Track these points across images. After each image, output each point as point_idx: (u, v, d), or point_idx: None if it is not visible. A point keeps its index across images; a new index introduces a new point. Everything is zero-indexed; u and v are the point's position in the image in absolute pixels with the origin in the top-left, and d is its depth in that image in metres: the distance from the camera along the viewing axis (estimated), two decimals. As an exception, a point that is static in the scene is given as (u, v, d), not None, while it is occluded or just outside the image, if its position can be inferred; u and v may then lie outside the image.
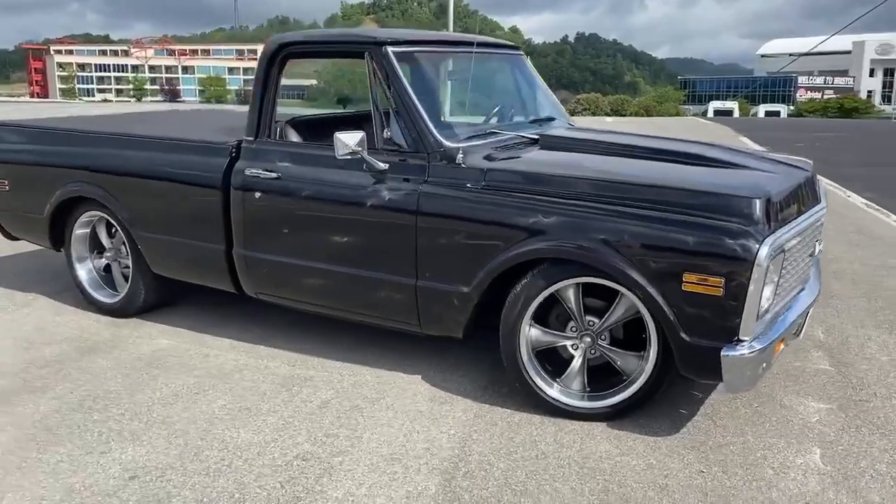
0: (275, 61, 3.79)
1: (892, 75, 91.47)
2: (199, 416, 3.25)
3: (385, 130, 3.45)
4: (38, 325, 4.40)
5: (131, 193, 4.21)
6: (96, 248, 4.67)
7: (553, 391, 3.22)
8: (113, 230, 4.52)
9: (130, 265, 4.41)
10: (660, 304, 2.86)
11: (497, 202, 3.18)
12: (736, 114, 50.23)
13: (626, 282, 2.93)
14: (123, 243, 4.49)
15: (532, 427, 3.15)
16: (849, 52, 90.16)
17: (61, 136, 4.57)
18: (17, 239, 5.09)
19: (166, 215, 4.12)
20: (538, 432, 3.11)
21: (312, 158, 3.69)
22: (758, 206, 2.81)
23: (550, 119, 4.29)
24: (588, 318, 3.17)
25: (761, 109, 53.21)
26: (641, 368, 3.13)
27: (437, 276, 3.34)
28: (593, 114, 66.61)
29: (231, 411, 3.29)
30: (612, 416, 3.18)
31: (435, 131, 3.40)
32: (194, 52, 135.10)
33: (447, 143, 3.38)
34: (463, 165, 3.31)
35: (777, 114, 50.76)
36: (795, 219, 3.07)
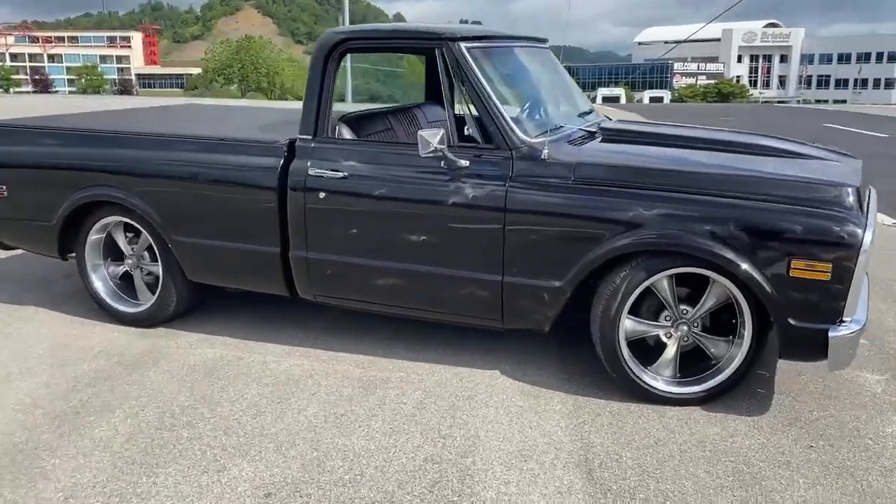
0: (332, 56, 3.68)
1: (758, 61, 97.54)
2: (297, 426, 3.14)
3: (466, 127, 3.43)
4: (57, 341, 4.10)
5: (168, 197, 3.99)
6: (110, 255, 4.39)
7: (656, 381, 3.32)
8: (130, 236, 4.28)
9: (161, 272, 4.17)
10: (766, 291, 3.00)
11: (592, 197, 3.23)
12: (623, 100, 52.15)
13: (731, 271, 3.05)
14: (148, 249, 4.25)
15: (634, 416, 3.24)
16: (718, 40, 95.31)
17: (78, 138, 4.25)
18: (9, 248, 4.72)
19: (210, 219, 3.93)
20: (643, 420, 3.20)
21: (383, 156, 3.62)
22: (853, 194, 3.00)
23: (588, 112, 4.37)
24: (681, 306, 3.28)
25: (646, 95, 55.60)
26: (731, 353, 3.27)
27: (526, 272, 3.36)
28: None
29: (328, 418, 3.21)
30: (705, 400, 3.31)
31: (516, 128, 3.42)
32: (60, 39, 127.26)
33: (530, 139, 3.41)
34: (549, 161, 3.34)
35: (660, 99, 53.18)
36: (869, 204, 3.29)
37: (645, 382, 3.31)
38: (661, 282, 3.23)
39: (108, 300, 4.36)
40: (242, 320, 4.37)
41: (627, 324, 3.29)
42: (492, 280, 3.42)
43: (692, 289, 3.28)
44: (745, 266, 3.01)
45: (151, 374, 3.68)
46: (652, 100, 52.75)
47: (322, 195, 3.64)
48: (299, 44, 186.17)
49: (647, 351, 3.40)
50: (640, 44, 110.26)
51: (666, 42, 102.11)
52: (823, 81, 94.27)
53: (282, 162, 3.74)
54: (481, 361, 3.78)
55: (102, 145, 4.15)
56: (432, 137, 3.33)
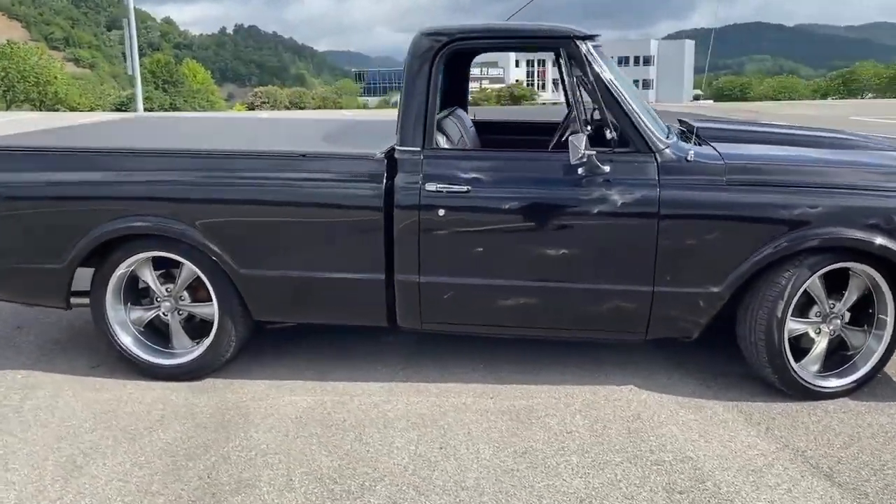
0: (440, 56, 3.32)
1: (534, 66, 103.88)
2: (490, 473, 2.78)
3: (608, 131, 3.23)
4: (95, 408, 3.34)
5: (234, 225, 3.38)
6: (129, 298, 3.66)
7: (815, 377, 3.32)
8: (161, 273, 3.60)
9: (216, 313, 3.52)
10: None
11: (752, 196, 3.17)
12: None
13: (891, 259, 3.12)
14: (189, 288, 3.60)
15: (812, 414, 3.20)
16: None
17: (103, 159, 3.47)
18: (-19, 299, 3.78)
19: (291, 247, 3.38)
20: (828, 418, 3.16)
21: (508, 165, 3.32)
22: None
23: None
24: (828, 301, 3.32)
25: (445, 99, 56.98)
26: (869, 343, 3.36)
27: (680, 280, 3.23)
28: (273, 107, 66.06)
29: (519, 461, 2.86)
30: (854, 391, 3.37)
31: (656, 129, 3.28)
32: None
33: (669, 140, 3.29)
34: (695, 162, 3.24)
35: (459, 102, 54.75)
36: None
37: (805, 380, 3.30)
38: (814, 279, 3.24)
39: (140, 352, 3.63)
40: (289, 358, 3.84)
41: (790, 324, 3.26)
42: (641, 291, 3.25)
43: (830, 283, 3.32)
44: None
45: (256, 434, 3.10)
46: (451, 103, 54.26)
47: (441, 212, 3.27)
48: (55, 49, 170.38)
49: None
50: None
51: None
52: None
53: (385, 177, 3.30)
54: (602, 377, 3.59)
55: (139, 167, 3.44)
56: (580, 143, 3.11)
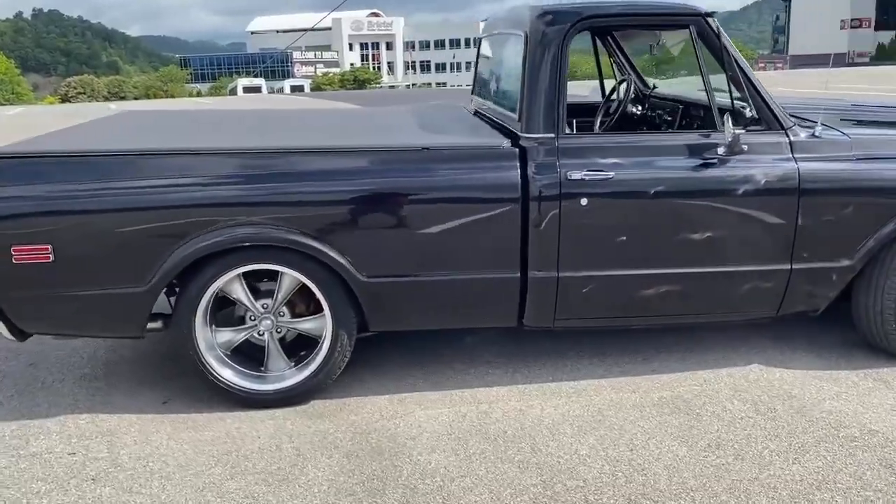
0: (570, 35, 3.12)
1: (368, 49, 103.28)
2: (707, 471, 2.66)
3: (747, 109, 3.18)
4: (207, 452, 2.88)
5: (356, 228, 3.02)
6: (213, 319, 3.20)
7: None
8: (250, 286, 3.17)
9: (328, 327, 3.14)
10: None
11: (879, 170, 3.24)
12: (265, 90, 51.22)
13: None
14: (288, 303, 3.19)
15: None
16: (329, 29, 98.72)
17: (199, 162, 2.97)
18: (26, 337, 3.14)
19: (420, 249, 3.07)
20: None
21: (646, 149, 3.19)
22: None
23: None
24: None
25: (286, 85, 55.17)
26: None
27: (816, 256, 3.26)
28: (92, 98, 61.44)
29: (721, 455, 2.76)
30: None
31: (780, 106, 3.27)
32: None
33: (793, 118, 3.30)
34: (823, 138, 3.26)
35: (301, 88, 53.27)
36: None
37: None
38: None
39: (238, 381, 3.18)
40: (385, 369, 3.53)
41: (908, 292, 3.37)
42: (780, 269, 3.25)
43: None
44: None
45: (423, 457, 2.80)
46: (293, 89, 52.63)
47: (584, 202, 3.09)
48: None
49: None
50: (252, 33, 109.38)
51: (279, 31, 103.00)
52: (426, 66, 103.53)
53: (519, 166, 3.07)
54: (719, 360, 3.56)
55: (238, 169, 2.99)
56: (728, 122, 3.05)
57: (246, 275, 3.12)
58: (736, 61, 3.18)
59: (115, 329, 3.12)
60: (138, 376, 3.53)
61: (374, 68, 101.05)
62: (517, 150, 3.09)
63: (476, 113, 4.12)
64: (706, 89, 3.17)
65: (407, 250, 3.07)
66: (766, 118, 3.21)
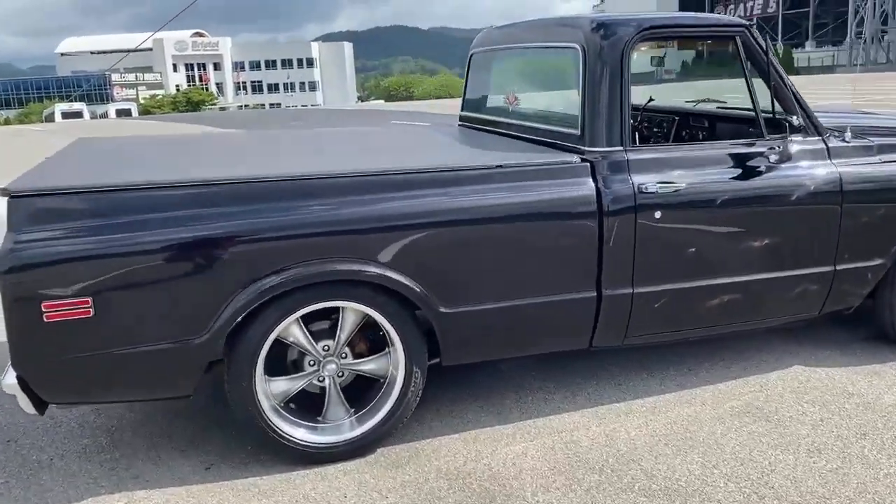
0: (629, 46, 3.05)
1: (194, 69, 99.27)
2: (846, 478, 2.66)
3: (795, 117, 3.25)
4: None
5: (433, 255, 2.78)
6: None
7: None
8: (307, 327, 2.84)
9: (401, 365, 2.86)
10: None
11: (906, 171, 3.42)
12: (86, 115, 47.68)
13: None
14: (356, 345, 2.89)
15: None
16: (151, 50, 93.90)
17: (260, 191, 2.59)
18: (45, 408, 2.61)
19: (499, 274, 2.88)
20: None
21: (709, 160, 3.17)
22: None
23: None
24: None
25: (111, 109, 51.64)
26: None
27: (855, 256, 3.39)
28: None
29: (846, 462, 2.75)
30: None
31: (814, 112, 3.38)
32: None
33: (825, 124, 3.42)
34: (852, 144, 3.41)
35: (128, 112, 50.11)
36: None
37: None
38: None
39: (306, 435, 2.83)
40: (430, 405, 3.29)
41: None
42: (826, 271, 3.35)
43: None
44: None
45: (553, 496, 2.60)
46: (119, 113, 49.36)
47: (658, 214, 3.02)
48: None
49: None
50: (62, 55, 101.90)
51: (93, 52, 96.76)
52: (257, 86, 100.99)
53: (593, 182, 2.96)
54: (760, 364, 3.62)
55: (303, 198, 2.65)
56: (787, 129, 3.12)
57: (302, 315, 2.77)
58: (779, 70, 3.25)
59: (163, 389, 2.67)
60: (153, 441, 3.05)
61: (205, 89, 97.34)
62: (588, 164, 2.97)
63: (486, 131, 3.96)
64: (751, 98, 3.21)
65: (487, 275, 2.86)
66: (808, 125, 3.30)
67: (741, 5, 66.87)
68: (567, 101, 3.20)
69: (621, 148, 3.02)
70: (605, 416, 3.15)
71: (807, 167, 3.25)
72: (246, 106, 79.02)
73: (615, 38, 3.04)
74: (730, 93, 3.75)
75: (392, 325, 2.81)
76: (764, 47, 3.20)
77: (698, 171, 3.11)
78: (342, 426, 2.88)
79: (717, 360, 3.64)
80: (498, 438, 3.01)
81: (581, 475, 2.72)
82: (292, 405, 2.87)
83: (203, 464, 2.88)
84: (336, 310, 2.80)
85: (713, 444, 2.90)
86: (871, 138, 3.49)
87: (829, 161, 3.30)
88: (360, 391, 2.96)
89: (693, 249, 3.11)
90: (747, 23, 3.26)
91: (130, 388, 2.63)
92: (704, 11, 50.44)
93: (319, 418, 2.90)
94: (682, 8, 66.67)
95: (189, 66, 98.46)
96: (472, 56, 4.28)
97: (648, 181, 3.00)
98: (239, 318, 2.58)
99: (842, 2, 58.32)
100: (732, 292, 3.23)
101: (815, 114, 3.37)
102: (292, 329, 2.76)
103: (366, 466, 2.84)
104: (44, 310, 2.37)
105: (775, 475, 2.68)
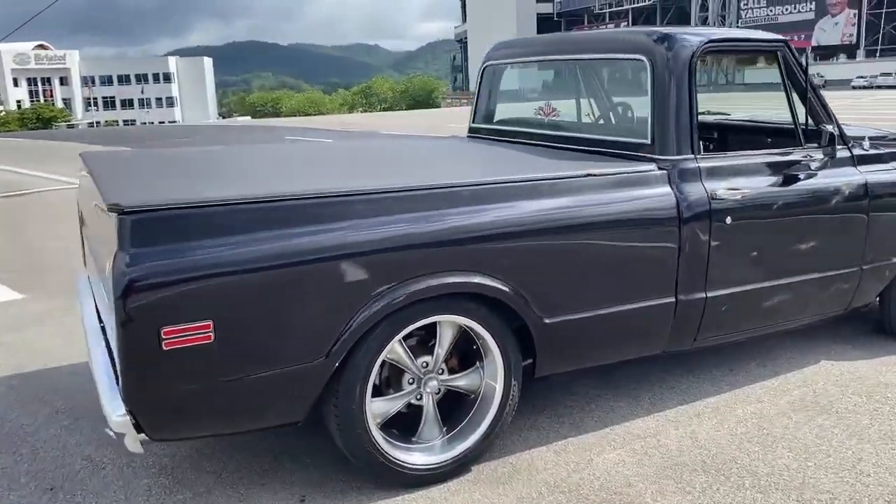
0: (695, 58, 3.15)
1: (38, 84, 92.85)
2: None
3: (832, 127, 3.45)
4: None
5: (538, 265, 2.74)
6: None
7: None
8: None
9: (500, 380, 2.78)
10: None
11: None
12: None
13: None
14: (447, 360, 2.80)
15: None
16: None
17: (385, 202, 2.44)
18: (152, 441, 2.33)
19: (595, 282, 2.87)
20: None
21: (768, 167, 3.32)
22: None
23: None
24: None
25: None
26: None
27: (879, 255, 3.65)
28: None
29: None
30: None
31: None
32: None
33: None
34: (872, 152, 3.68)
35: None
36: None
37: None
38: None
39: (414, 459, 2.70)
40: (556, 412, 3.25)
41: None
42: (856, 270, 3.58)
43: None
44: None
45: (678, 499, 2.61)
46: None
47: (728, 220, 3.13)
48: None
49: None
50: None
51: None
52: (110, 102, 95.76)
53: (672, 189, 3.03)
54: (788, 361, 3.80)
55: (415, 209, 2.54)
56: (833, 139, 3.34)
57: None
58: (813, 83, 3.45)
59: (275, 416, 2.45)
60: (222, 477, 2.81)
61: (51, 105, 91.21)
62: (665, 172, 3.04)
63: (509, 142, 3.95)
64: (791, 109, 3.39)
65: (584, 283, 2.85)
66: (838, 135, 3.52)
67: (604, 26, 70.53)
68: (632, 110, 3.25)
69: (692, 155, 3.10)
70: (678, 420, 3.20)
71: (841, 174, 3.47)
72: (98, 123, 74.67)
73: (684, 50, 3.12)
74: (747, 102, 3.94)
75: (493, 338, 2.74)
76: (802, 61, 3.40)
77: (755, 178, 3.25)
78: (434, 446, 2.77)
79: (749, 361, 3.79)
80: (586, 448, 2.99)
81: (688, 477, 2.75)
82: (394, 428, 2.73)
83: (294, 496, 2.68)
84: (427, 325, 2.70)
85: (792, 438, 3.02)
86: (884, 148, 3.77)
87: (854, 168, 3.53)
88: (447, 409, 2.86)
89: (755, 253, 3.24)
90: (786, 38, 3.44)
91: (244, 418, 2.41)
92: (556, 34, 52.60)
93: (414, 438, 2.77)
94: (539, 31, 69.85)
95: (32, 81, 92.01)
96: (485, 68, 4.26)
97: (719, 188, 3.10)
98: (357, 337, 2.43)
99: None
100: (785, 293, 3.38)
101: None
102: (395, 346, 2.63)
103: (469, 485, 2.74)
104: (163, 336, 2.13)
105: (864, 464, 2.82)
